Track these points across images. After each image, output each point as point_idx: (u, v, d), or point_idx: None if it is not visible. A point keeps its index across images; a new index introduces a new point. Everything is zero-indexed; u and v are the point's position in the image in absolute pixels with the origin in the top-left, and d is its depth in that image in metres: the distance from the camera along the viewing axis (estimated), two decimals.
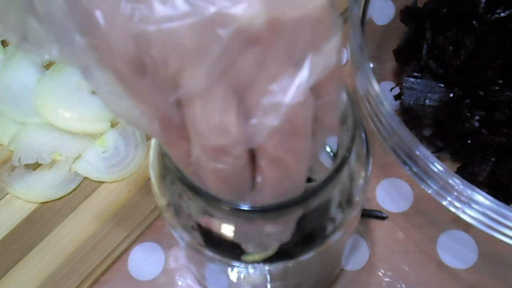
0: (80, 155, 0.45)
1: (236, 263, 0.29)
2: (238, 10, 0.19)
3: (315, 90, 0.22)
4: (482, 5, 0.44)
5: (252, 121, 0.22)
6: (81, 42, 0.21)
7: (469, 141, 0.42)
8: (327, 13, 0.21)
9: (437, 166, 0.36)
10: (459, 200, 0.36)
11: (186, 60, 0.20)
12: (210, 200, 0.26)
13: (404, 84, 0.44)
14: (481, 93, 0.42)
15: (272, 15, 0.20)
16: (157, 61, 0.20)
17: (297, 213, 0.26)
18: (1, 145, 0.46)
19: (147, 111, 0.22)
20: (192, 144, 0.22)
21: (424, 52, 0.45)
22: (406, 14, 0.47)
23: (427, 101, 0.44)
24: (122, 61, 0.21)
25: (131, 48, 0.20)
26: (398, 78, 0.47)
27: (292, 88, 0.21)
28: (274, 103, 0.21)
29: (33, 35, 0.23)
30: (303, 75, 0.21)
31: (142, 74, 0.21)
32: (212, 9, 0.19)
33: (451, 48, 0.44)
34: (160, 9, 0.19)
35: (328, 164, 0.36)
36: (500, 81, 0.42)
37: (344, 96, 0.25)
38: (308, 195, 0.25)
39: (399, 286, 0.41)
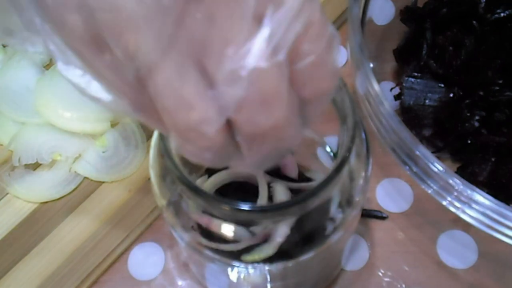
0: (80, 155, 0.45)
1: (236, 263, 0.29)
2: None
3: (292, 49, 0.20)
4: (482, 5, 0.44)
5: (213, 92, 0.19)
6: (44, 26, 0.20)
7: (469, 141, 0.42)
8: None
9: (437, 166, 0.36)
10: (459, 200, 0.36)
11: (132, 29, 0.18)
12: (210, 200, 0.26)
13: (404, 84, 0.44)
14: (481, 93, 0.42)
15: None
16: (107, 35, 0.19)
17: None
18: (1, 145, 0.46)
19: (115, 92, 0.21)
20: (166, 124, 0.21)
21: (424, 52, 0.45)
22: (406, 14, 0.47)
23: (427, 101, 0.44)
24: (75, 38, 0.20)
25: (80, 24, 0.19)
26: (398, 78, 0.47)
27: (252, 51, 0.18)
28: (233, 70, 0.19)
29: (18, 29, 0.22)
30: (264, 33, 0.19)
31: (100, 51, 0.20)
32: None
33: (451, 48, 0.44)
34: None
35: (328, 164, 0.36)
36: (500, 81, 0.42)
37: (336, 55, 0.21)
38: (308, 195, 0.25)
39: (399, 286, 0.41)
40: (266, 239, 0.29)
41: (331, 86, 0.22)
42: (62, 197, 0.44)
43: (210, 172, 0.35)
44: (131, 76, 0.20)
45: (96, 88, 0.22)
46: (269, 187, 0.33)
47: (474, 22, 0.44)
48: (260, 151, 0.22)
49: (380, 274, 0.41)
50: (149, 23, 0.18)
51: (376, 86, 0.38)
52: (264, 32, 0.19)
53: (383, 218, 0.43)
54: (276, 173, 0.34)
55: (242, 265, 0.29)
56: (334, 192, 0.29)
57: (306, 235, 0.29)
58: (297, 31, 0.19)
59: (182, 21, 0.19)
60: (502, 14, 0.43)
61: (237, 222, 0.28)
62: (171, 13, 0.18)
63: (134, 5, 0.18)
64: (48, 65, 0.49)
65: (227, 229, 0.28)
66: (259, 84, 0.19)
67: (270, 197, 0.32)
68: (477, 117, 0.42)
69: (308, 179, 0.36)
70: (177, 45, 0.19)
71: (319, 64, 0.21)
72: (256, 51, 0.19)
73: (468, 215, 0.36)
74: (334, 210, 0.29)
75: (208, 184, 0.34)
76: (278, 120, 0.20)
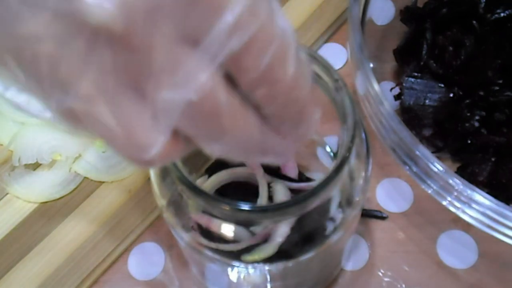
0: (80, 155, 0.45)
1: (236, 263, 0.29)
2: (87, 9, 0.17)
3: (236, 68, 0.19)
4: (482, 5, 0.44)
5: (151, 113, 0.19)
6: None
7: (469, 141, 0.42)
8: None
9: (437, 166, 0.36)
10: (459, 200, 0.36)
11: (54, 56, 0.18)
12: (210, 200, 0.26)
13: (404, 84, 0.44)
14: (481, 93, 0.42)
15: (129, 7, 0.17)
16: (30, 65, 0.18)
17: None
18: (1, 145, 0.46)
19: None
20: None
21: (424, 52, 0.45)
22: (406, 14, 0.47)
23: (427, 101, 0.44)
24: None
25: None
26: (398, 78, 0.47)
27: (192, 79, 0.18)
28: (171, 100, 0.19)
29: None
30: (200, 59, 0.18)
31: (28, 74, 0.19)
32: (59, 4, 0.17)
33: (451, 48, 0.44)
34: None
35: (328, 164, 0.36)
36: (500, 81, 0.42)
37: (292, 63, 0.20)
38: (308, 195, 0.25)
39: (399, 286, 0.41)
40: (266, 239, 0.29)
41: (300, 101, 0.21)
42: (62, 197, 0.44)
43: (210, 172, 0.35)
44: (62, 107, 0.19)
45: (36, 107, 0.21)
46: (269, 187, 0.33)
47: (474, 22, 0.44)
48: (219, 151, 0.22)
49: (380, 274, 0.41)
50: (72, 61, 0.18)
51: (376, 86, 0.38)
52: (197, 54, 0.19)
53: (383, 218, 0.43)
54: (276, 173, 0.34)
55: (242, 265, 0.29)
56: (334, 192, 0.29)
57: (306, 235, 0.29)
58: (234, 47, 0.19)
59: (111, 61, 0.18)
60: (502, 14, 0.43)
61: (237, 222, 0.28)
62: (82, 46, 0.18)
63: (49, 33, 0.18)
64: None
65: (227, 229, 0.28)
66: (199, 107, 0.19)
67: (270, 197, 0.33)
68: (477, 117, 0.42)
69: (308, 179, 0.36)
70: (104, 78, 0.18)
71: (264, 75, 0.20)
72: (191, 74, 0.19)
73: (468, 215, 0.36)
74: (334, 210, 0.29)
75: (208, 184, 0.34)
76: (226, 130, 0.20)
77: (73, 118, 0.20)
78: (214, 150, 0.21)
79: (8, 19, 0.17)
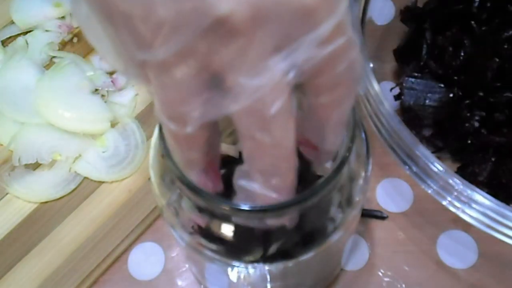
0: (80, 155, 0.45)
1: (236, 263, 0.29)
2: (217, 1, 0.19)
3: (312, 83, 0.22)
4: (476, 4, 0.44)
5: (220, 98, 0.21)
6: None
7: (469, 141, 0.42)
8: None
9: (437, 166, 0.36)
10: (459, 200, 0.36)
11: (158, 28, 0.20)
12: (210, 200, 0.26)
13: (404, 84, 0.44)
14: (481, 93, 0.42)
15: (257, 6, 0.19)
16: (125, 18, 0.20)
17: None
18: (1, 145, 0.46)
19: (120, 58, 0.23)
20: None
21: (424, 52, 0.45)
22: (406, 14, 0.47)
23: (427, 101, 0.44)
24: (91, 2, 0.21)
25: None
26: (398, 78, 0.47)
27: (268, 72, 0.21)
28: (247, 86, 0.21)
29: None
30: (281, 59, 0.21)
31: (113, 23, 0.21)
32: None
33: (450, 48, 0.44)
34: None
35: (328, 164, 0.36)
36: (499, 84, 0.42)
37: (357, 90, 0.24)
38: (308, 195, 0.25)
39: (399, 286, 0.41)
40: (265, 239, 0.29)
41: (351, 93, 0.24)
42: (62, 197, 0.44)
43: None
44: (137, 60, 0.21)
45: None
46: None
47: (472, 22, 0.44)
48: (257, 164, 0.23)
49: (380, 274, 0.41)
50: (177, 36, 0.20)
51: (376, 86, 0.38)
52: (281, 55, 0.21)
53: (383, 218, 0.43)
54: None
55: (242, 265, 0.29)
56: (334, 192, 0.29)
57: (306, 235, 0.29)
58: (317, 59, 0.21)
59: (212, 48, 0.20)
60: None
61: (237, 222, 0.28)
62: (203, 41, 0.20)
63: (170, 16, 0.19)
64: (48, 65, 0.49)
65: (227, 229, 0.28)
66: (263, 100, 0.21)
67: None
68: (477, 117, 0.42)
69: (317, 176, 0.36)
70: (192, 53, 0.20)
71: (340, 78, 0.22)
72: (268, 70, 0.20)
73: (468, 215, 0.36)
74: (334, 210, 0.29)
75: None
76: (275, 139, 0.22)
77: (143, 73, 0.22)
78: (246, 147, 0.23)
79: None
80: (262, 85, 0.21)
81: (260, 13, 0.19)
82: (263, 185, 0.24)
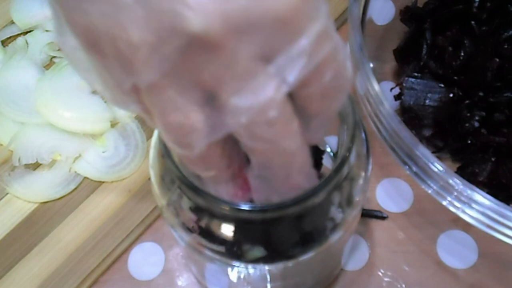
0: (80, 155, 0.45)
1: (236, 263, 0.29)
2: (191, 17, 0.19)
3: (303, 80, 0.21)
4: (476, 4, 0.44)
5: (220, 117, 0.21)
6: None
7: (469, 141, 0.42)
8: (298, 7, 0.20)
9: (437, 166, 0.36)
10: (459, 200, 0.36)
11: (137, 50, 0.20)
12: (210, 200, 0.26)
13: (404, 84, 0.44)
14: (481, 93, 0.42)
15: (229, 20, 0.19)
16: (110, 49, 0.20)
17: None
18: (1, 145, 0.46)
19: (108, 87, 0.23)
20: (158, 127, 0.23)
21: (424, 52, 0.45)
22: (406, 14, 0.47)
23: (427, 101, 0.44)
24: (77, 32, 0.21)
25: (82, 24, 0.20)
26: (398, 78, 0.47)
27: (261, 91, 0.20)
28: (241, 106, 0.21)
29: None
30: (271, 75, 0.21)
31: (101, 56, 0.21)
32: (164, 5, 0.19)
33: (450, 48, 0.44)
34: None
35: (328, 164, 0.36)
36: (499, 84, 0.42)
37: (345, 80, 0.23)
38: (308, 195, 0.25)
39: (399, 286, 0.41)
40: (265, 239, 0.29)
41: (338, 105, 0.23)
42: (62, 197, 0.44)
43: None
44: (126, 86, 0.21)
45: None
46: None
47: (472, 22, 0.44)
48: (269, 172, 0.24)
49: (380, 274, 0.41)
50: (157, 55, 0.20)
51: (376, 86, 0.38)
52: (272, 71, 0.21)
53: (383, 218, 0.43)
54: None
55: (242, 265, 0.29)
56: (334, 192, 0.29)
57: (306, 235, 0.29)
58: (307, 70, 0.21)
59: (195, 63, 0.20)
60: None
61: (237, 221, 0.28)
62: (183, 57, 0.20)
63: (146, 36, 0.19)
64: (48, 65, 0.49)
65: (227, 229, 0.28)
66: (263, 114, 0.21)
67: None
68: (477, 117, 0.42)
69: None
70: (179, 72, 0.20)
71: (323, 92, 0.22)
72: (263, 90, 0.21)
73: (468, 215, 0.36)
74: (334, 210, 0.29)
75: None
76: (282, 147, 0.22)
77: (135, 97, 0.22)
78: (254, 160, 0.23)
79: (115, 8, 0.19)
80: (257, 102, 0.21)
81: (235, 26, 0.19)
82: (282, 185, 0.24)
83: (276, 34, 0.20)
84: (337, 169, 0.26)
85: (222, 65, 0.20)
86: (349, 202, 0.30)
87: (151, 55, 0.20)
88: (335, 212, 0.29)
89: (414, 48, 0.46)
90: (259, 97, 0.21)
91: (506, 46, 0.42)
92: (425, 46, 0.45)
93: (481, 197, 0.35)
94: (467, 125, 0.42)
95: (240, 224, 0.28)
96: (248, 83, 0.20)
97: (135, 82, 0.21)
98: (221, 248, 0.29)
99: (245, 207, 0.25)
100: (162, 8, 0.19)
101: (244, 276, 0.33)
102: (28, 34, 0.50)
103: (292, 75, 0.21)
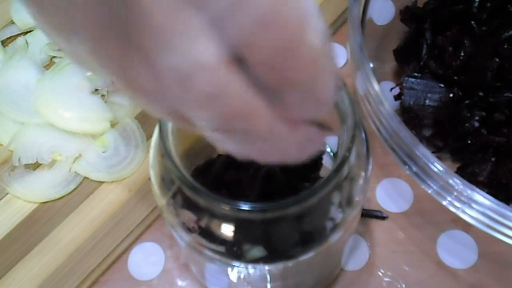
0: (80, 155, 0.45)
1: (236, 263, 0.29)
2: None
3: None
4: (476, 4, 0.44)
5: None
6: None
7: (469, 141, 0.42)
8: None
9: (437, 166, 0.36)
10: (459, 200, 0.36)
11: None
12: (210, 200, 0.26)
13: (404, 84, 0.44)
14: (481, 94, 0.42)
15: None
16: None
17: None
18: (1, 145, 0.46)
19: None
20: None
21: (424, 52, 0.45)
22: (406, 14, 0.47)
23: (427, 101, 0.44)
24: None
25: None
26: (398, 78, 0.47)
27: (191, 47, 0.17)
28: (167, 65, 0.17)
29: None
30: (204, 26, 0.17)
31: None
32: None
33: (450, 48, 0.44)
34: None
35: (328, 164, 0.36)
36: (499, 84, 0.42)
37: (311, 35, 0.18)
38: (308, 195, 0.25)
39: (399, 286, 0.41)
40: (265, 239, 0.29)
41: (306, 74, 0.19)
42: (62, 197, 0.44)
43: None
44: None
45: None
46: None
47: (472, 22, 0.44)
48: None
49: (380, 274, 0.41)
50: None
51: (376, 86, 0.38)
52: (201, 20, 0.17)
53: (383, 218, 0.43)
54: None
55: (242, 265, 0.29)
56: (334, 192, 0.29)
57: (306, 235, 0.29)
58: (247, 23, 0.17)
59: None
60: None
61: (237, 221, 0.28)
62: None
63: None
64: (48, 65, 0.49)
65: (227, 229, 0.28)
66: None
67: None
68: (477, 117, 0.42)
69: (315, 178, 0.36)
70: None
71: (285, 58, 0.18)
72: (190, 44, 0.17)
73: (468, 215, 0.36)
74: (334, 210, 0.29)
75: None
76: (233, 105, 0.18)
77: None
78: (214, 139, 0.20)
79: None
80: (187, 62, 0.17)
81: None
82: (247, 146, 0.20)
83: None
84: (337, 169, 0.26)
85: (141, 15, 0.17)
86: (349, 202, 0.30)
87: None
88: (335, 212, 0.29)
89: (414, 48, 0.46)
90: (188, 55, 0.17)
91: (506, 46, 0.42)
92: (425, 46, 0.45)
93: (481, 197, 0.35)
94: (467, 125, 0.42)
95: (240, 224, 0.28)
96: (174, 36, 0.17)
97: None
98: (221, 248, 0.29)
99: (245, 207, 0.25)
100: None
101: (244, 276, 0.33)
102: (28, 34, 0.50)
103: (232, 29, 0.17)
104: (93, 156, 0.45)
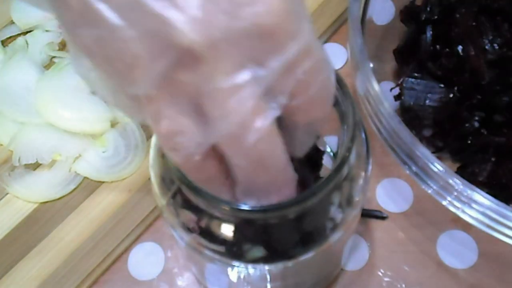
0: (80, 155, 0.45)
1: (236, 263, 0.29)
2: (179, 32, 0.20)
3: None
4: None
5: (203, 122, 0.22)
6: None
7: (469, 141, 0.42)
8: (281, 19, 0.21)
9: (437, 166, 0.36)
10: (459, 200, 0.36)
11: (134, 63, 0.21)
12: (210, 200, 0.26)
13: (404, 85, 0.44)
14: (479, 96, 0.42)
15: (211, 35, 0.20)
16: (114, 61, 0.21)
17: None
18: (1, 145, 0.46)
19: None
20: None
21: (423, 52, 0.45)
22: (406, 14, 0.47)
23: (427, 101, 0.44)
24: (83, 53, 0.22)
25: (92, 43, 0.21)
26: (398, 78, 0.47)
27: (241, 106, 0.21)
28: (225, 112, 0.21)
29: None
30: (251, 88, 0.21)
31: (102, 70, 0.22)
32: (153, 23, 0.20)
33: (447, 49, 0.44)
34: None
35: (328, 164, 0.36)
36: (498, 87, 0.41)
37: (331, 88, 0.24)
38: (308, 195, 0.25)
39: (399, 286, 0.41)
40: (265, 239, 0.29)
41: (324, 113, 0.24)
42: (62, 197, 0.44)
43: None
44: (128, 93, 0.23)
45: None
46: None
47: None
48: (252, 187, 0.24)
49: (380, 274, 0.41)
50: (152, 67, 0.21)
51: (376, 86, 0.38)
52: (250, 85, 0.21)
53: (383, 218, 0.43)
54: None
55: (242, 265, 0.29)
56: (334, 192, 0.29)
57: (306, 235, 0.29)
58: (295, 78, 0.22)
59: (181, 73, 0.21)
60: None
61: (237, 221, 0.28)
62: (165, 61, 0.21)
63: (135, 52, 0.21)
64: (48, 65, 0.49)
65: (227, 229, 0.28)
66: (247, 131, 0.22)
67: None
68: (477, 118, 0.42)
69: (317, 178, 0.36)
70: (171, 85, 0.21)
71: (314, 100, 0.23)
72: (241, 104, 0.21)
73: (468, 215, 0.36)
74: (334, 210, 0.29)
75: None
76: (264, 162, 0.23)
77: (135, 104, 0.23)
78: (238, 174, 0.24)
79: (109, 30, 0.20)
80: (236, 110, 0.21)
81: (218, 39, 0.20)
82: (264, 200, 0.25)
83: (260, 48, 0.21)
84: (337, 169, 0.26)
85: (205, 76, 0.21)
86: (349, 202, 0.30)
87: (147, 66, 0.21)
88: (335, 212, 0.29)
89: (414, 48, 0.46)
90: (238, 113, 0.21)
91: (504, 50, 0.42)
92: (424, 46, 0.45)
93: (481, 197, 0.35)
94: (467, 125, 0.42)
95: (240, 224, 0.28)
96: (228, 97, 0.21)
97: (134, 91, 0.22)
98: (221, 248, 0.29)
99: (245, 207, 0.25)
100: (151, 27, 0.20)
101: (244, 276, 0.33)
102: (28, 34, 0.50)
103: (273, 86, 0.22)
104: (93, 156, 0.45)
